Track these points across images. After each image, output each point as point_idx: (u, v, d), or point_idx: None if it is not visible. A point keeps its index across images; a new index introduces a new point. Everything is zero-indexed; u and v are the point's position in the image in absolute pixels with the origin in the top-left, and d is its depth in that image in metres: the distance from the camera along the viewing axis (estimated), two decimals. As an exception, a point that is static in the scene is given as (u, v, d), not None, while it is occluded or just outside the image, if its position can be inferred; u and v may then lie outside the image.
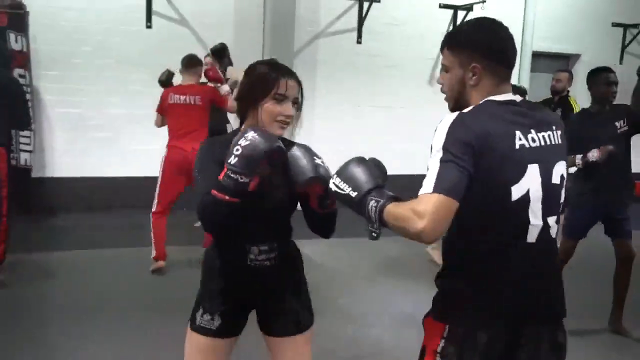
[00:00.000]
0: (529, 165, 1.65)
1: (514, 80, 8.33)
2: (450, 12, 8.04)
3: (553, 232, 1.74)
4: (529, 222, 1.67)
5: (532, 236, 1.68)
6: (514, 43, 1.78)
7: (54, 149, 6.62)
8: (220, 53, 5.47)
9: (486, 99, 1.70)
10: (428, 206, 1.51)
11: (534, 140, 1.67)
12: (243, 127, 2.00)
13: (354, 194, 1.70)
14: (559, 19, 8.72)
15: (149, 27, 6.72)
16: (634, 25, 9.02)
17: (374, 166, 1.80)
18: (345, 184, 1.73)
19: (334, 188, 1.76)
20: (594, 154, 3.86)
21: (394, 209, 1.60)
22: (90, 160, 6.67)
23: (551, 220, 1.71)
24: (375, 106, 7.73)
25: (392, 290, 4.75)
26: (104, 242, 5.60)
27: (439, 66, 7.09)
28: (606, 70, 4.18)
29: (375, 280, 4.99)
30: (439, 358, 1.71)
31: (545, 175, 1.68)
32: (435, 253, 5.38)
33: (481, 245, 1.68)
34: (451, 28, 8.07)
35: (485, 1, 7.85)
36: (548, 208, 1.70)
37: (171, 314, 4.07)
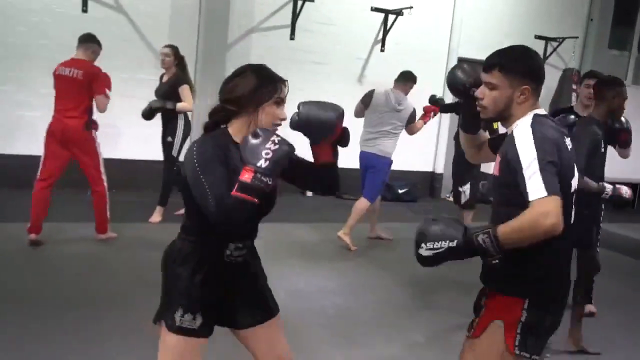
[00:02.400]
0: (574, 164, 2.13)
1: (440, 84, 8.90)
2: (382, 15, 8.44)
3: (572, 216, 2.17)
4: (572, 207, 2.13)
5: (570, 219, 2.12)
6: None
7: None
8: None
9: (534, 113, 2.11)
10: (550, 206, 1.87)
11: (570, 145, 2.11)
12: (232, 128, 2.05)
13: (453, 244, 1.96)
14: (485, 29, 9.21)
15: (84, 11, 6.91)
16: (554, 39, 9.61)
17: (447, 218, 2.06)
18: (438, 243, 1.98)
19: (428, 254, 2.00)
20: (628, 192, 3.76)
21: (509, 228, 1.91)
22: (21, 138, 6.82)
23: (573, 208, 2.15)
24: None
25: (292, 270, 5.06)
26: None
27: (369, 66, 7.62)
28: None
29: (281, 260, 5.29)
30: (520, 327, 2.04)
31: (576, 173, 2.16)
32: (347, 238, 5.77)
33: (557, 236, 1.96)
34: (382, 30, 8.51)
35: (412, 7, 8.28)
36: (575, 198, 2.16)
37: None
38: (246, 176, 1.82)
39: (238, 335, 2.23)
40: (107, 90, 5.04)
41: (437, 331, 4.11)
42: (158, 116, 5.95)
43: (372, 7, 8.36)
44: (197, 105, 7.41)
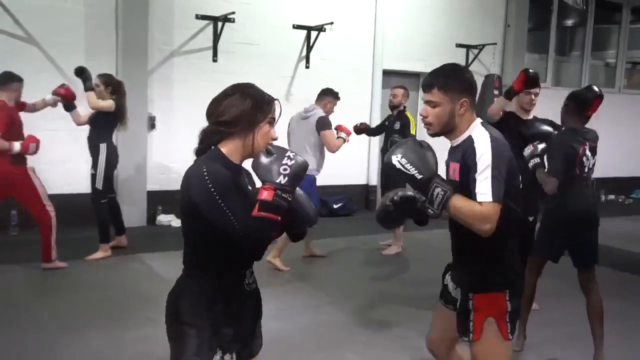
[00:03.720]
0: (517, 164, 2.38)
1: (367, 96, 8.97)
2: (304, 32, 8.45)
3: None
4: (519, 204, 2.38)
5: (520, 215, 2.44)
6: None
7: None
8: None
9: (478, 122, 2.37)
10: (491, 213, 2.16)
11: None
12: (226, 149, 1.97)
13: (419, 177, 2.21)
14: (408, 40, 9.37)
15: (-8, 44, 6.63)
16: (475, 46, 9.86)
17: (431, 152, 2.30)
18: (410, 165, 2.22)
19: (398, 166, 2.22)
20: None
21: (460, 203, 2.20)
22: None
23: None
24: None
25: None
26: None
27: (296, 82, 7.59)
28: None
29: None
30: (507, 316, 2.33)
31: None
32: (276, 261, 5.67)
33: (511, 235, 2.37)
34: (305, 47, 8.51)
35: (333, 23, 8.33)
36: None
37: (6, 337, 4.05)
38: (266, 194, 1.83)
39: None
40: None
41: (375, 350, 4.06)
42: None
43: (293, 25, 8.36)
44: (120, 132, 7.26)
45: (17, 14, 6.78)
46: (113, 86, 5.81)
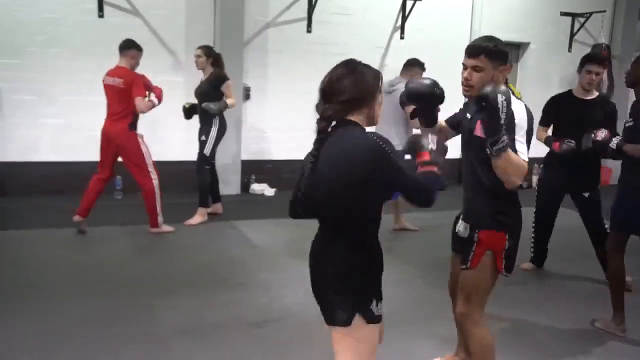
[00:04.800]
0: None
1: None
2: (399, 2, 8.29)
3: None
4: None
5: None
6: None
7: (10, 135, 6.85)
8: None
9: (508, 88, 2.59)
10: (525, 170, 2.53)
11: None
12: (360, 121, 2.15)
13: (502, 119, 2.42)
14: (508, 9, 8.99)
15: (100, 16, 6.95)
16: (581, 14, 9.31)
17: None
18: (503, 107, 2.42)
19: (498, 101, 2.41)
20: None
21: (512, 155, 2.49)
22: (43, 145, 6.92)
23: None
24: (326, 93, 7.98)
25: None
26: (52, 222, 5.87)
27: (390, 54, 7.40)
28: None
29: (302, 257, 5.22)
30: (504, 254, 2.72)
31: None
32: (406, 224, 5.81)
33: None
34: (400, 17, 8.35)
35: (429, -8, 8.12)
36: None
37: (105, 295, 4.36)
38: (426, 157, 2.28)
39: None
40: (146, 93, 5.48)
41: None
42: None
43: (392, -6, 8.21)
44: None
45: (122, -13, 7.06)
46: (214, 57, 6.04)
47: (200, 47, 6.07)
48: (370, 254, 2.18)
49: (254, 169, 7.84)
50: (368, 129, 2.15)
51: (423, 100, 2.90)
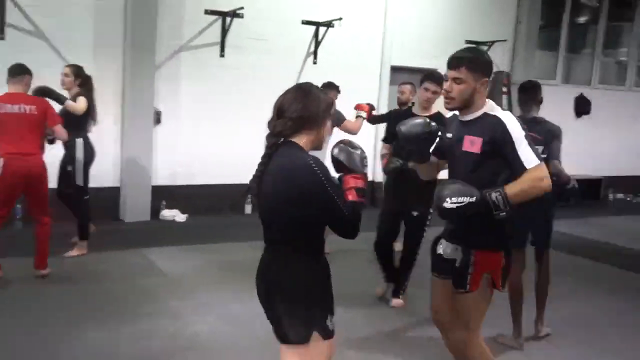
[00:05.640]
0: None
1: (374, 93, 8.94)
2: (313, 27, 8.43)
3: None
4: None
5: None
6: None
7: None
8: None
9: (492, 102, 2.70)
10: (543, 172, 2.56)
11: None
12: (302, 142, 2.24)
13: (473, 199, 2.51)
14: (417, 37, 9.31)
15: (0, 38, 6.67)
16: (484, 43, 9.78)
17: (461, 181, 2.62)
18: (461, 198, 2.52)
19: (452, 206, 2.51)
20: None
21: (516, 189, 2.52)
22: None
23: None
24: (238, 117, 7.97)
25: (226, 293, 4.95)
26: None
27: (303, 78, 7.36)
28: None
29: (217, 283, 5.18)
30: (502, 271, 2.69)
31: None
32: None
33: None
34: (314, 43, 8.48)
35: (341, 19, 8.31)
36: None
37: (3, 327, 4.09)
38: (359, 183, 2.21)
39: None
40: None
41: (374, 348, 4.05)
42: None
43: (302, 20, 8.33)
44: (126, 127, 7.28)
45: (26, 8, 6.80)
46: (82, 78, 5.72)
47: (68, 66, 5.77)
48: (322, 269, 2.28)
49: (165, 195, 7.68)
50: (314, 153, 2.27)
51: (421, 139, 2.87)
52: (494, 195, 2.49)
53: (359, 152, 2.28)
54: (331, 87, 5.96)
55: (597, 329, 4.51)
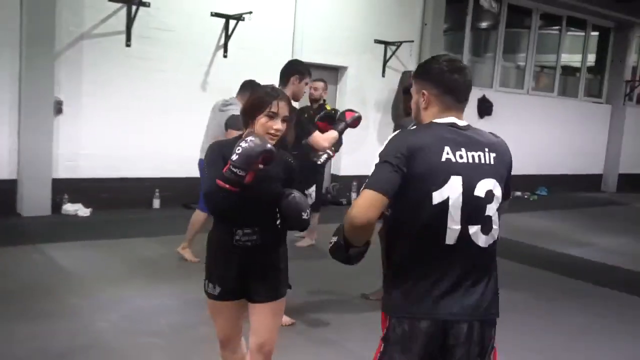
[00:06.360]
0: (452, 176, 1.96)
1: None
2: (222, 20, 8.30)
3: (477, 238, 2.00)
4: (446, 225, 1.97)
5: (450, 238, 1.98)
6: (465, 81, 2.10)
7: None
8: None
9: (431, 121, 2.07)
10: (359, 199, 1.94)
11: (461, 157, 1.99)
12: (245, 134, 2.50)
13: (336, 240, 2.07)
14: (329, 33, 9.39)
15: None
16: (393, 43, 10.02)
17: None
18: (334, 237, 2.09)
19: (330, 245, 2.12)
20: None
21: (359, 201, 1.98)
22: None
23: (473, 227, 1.99)
24: (146, 109, 7.74)
25: (130, 289, 4.79)
26: None
27: (212, 72, 7.17)
28: None
29: (120, 280, 5.00)
30: (384, 342, 2.05)
31: (468, 187, 1.97)
32: (185, 252, 5.57)
33: (409, 243, 2.02)
34: (224, 36, 8.37)
35: (252, 12, 8.24)
36: (468, 216, 1.98)
37: None
38: (225, 168, 2.32)
39: (249, 307, 2.63)
40: None
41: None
42: None
43: (211, 13, 8.17)
44: (23, 116, 6.92)
45: None
46: None
47: None
48: (212, 241, 2.66)
49: (66, 188, 7.33)
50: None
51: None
52: (336, 237, 2.12)
53: (239, 141, 2.38)
54: (243, 87, 5.70)
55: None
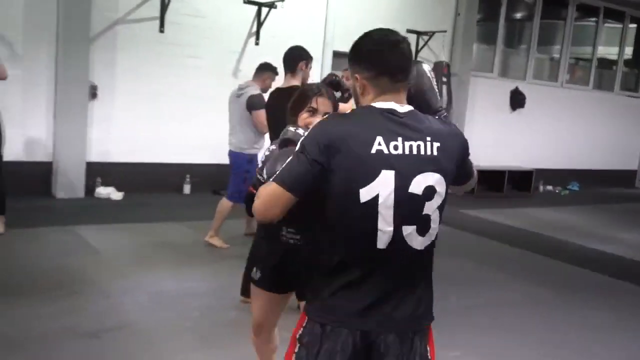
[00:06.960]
0: (383, 171, 1.68)
1: (316, 77, 8.93)
2: (255, 8, 8.33)
3: (411, 240, 1.74)
4: (377, 227, 1.70)
5: (381, 242, 1.72)
6: (402, 56, 1.80)
7: None
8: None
9: (366, 105, 1.79)
10: (264, 190, 1.75)
11: (396, 148, 1.70)
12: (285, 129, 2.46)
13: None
14: (359, 22, 9.30)
15: None
16: (425, 33, 9.94)
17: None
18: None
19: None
20: None
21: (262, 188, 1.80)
22: None
23: (408, 228, 1.73)
24: (178, 95, 7.83)
25: (160, 272, 4.87)
26: None
27: (244, 59, 7.26)
28: None
29: (150, 263, 5.08)
30: (298, 344, 1.82)
31: (402, 183, 1.70)
32: (213, 240, 5.63)
33: (336, 244, 1.77)
34: (256, 23, 8.40)
35: (284, 0, 8.24)
36: (401, 216, 1.71)
37: None
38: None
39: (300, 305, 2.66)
40: None
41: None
42: None
43: (244, 0, 8.21)
44: (60, 100, 7.04)
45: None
46: None
47: None
48: (264, 233, 2.73)
49: (100, 172, 7.47)
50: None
51: None
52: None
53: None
54: (267, 69, 5.74)
55: (516, 312, 4.69)
